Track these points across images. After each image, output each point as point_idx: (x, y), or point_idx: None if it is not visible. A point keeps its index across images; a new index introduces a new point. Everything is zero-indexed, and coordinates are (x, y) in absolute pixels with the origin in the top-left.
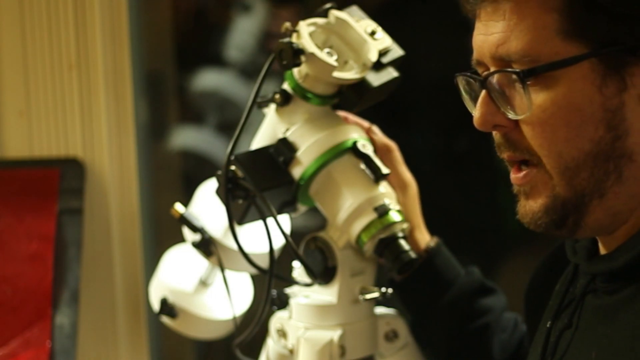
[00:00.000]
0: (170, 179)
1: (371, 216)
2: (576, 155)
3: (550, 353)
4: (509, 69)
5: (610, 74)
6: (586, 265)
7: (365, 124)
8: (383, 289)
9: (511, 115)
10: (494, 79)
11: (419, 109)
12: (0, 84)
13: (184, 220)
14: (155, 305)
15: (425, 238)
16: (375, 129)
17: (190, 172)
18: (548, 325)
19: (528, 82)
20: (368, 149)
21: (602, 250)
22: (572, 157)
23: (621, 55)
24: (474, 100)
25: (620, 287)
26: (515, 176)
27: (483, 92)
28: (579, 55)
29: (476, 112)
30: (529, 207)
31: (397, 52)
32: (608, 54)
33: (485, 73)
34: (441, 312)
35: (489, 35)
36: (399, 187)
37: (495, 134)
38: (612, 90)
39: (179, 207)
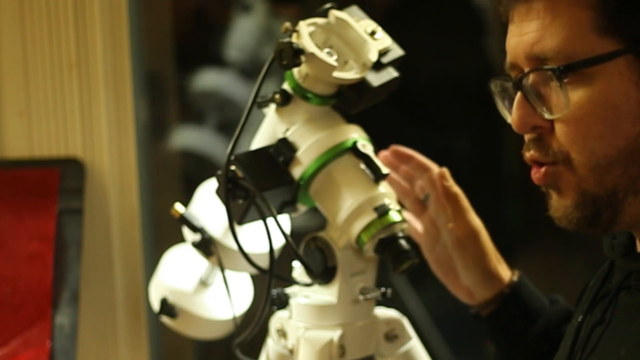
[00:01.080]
0: (170, 179)
1: (371, 216)
2: (609, 153)
3: (580, 348)
4: (545, 67)
5: None
6: (622, 262)
7: (436, 168)
8: (383, 289)
9: (547, 115)
10: (529, 79)
11: (421, 109)
12: (1, 84)
13: (184, 220)
14: (155, 305)
15: (507, 272)
16: (447, 174)
17: (190, 172)
18: (580, 320)
19: (565, 80)
20: (368, 149)
21: None
22: (604, 154)
23: None
24: (508, 105)
25: None
26: (535, 176)
27: (519, 95)
28: (615, 51)
29: (513, 115)
30: (561, 203)
31: (397, 52)
32: None
33: (520, 75)
34: (531, 344)
35: (524, 35)
36: (470, 235)
37: (529, 136)
38: None
39: (179, 207)
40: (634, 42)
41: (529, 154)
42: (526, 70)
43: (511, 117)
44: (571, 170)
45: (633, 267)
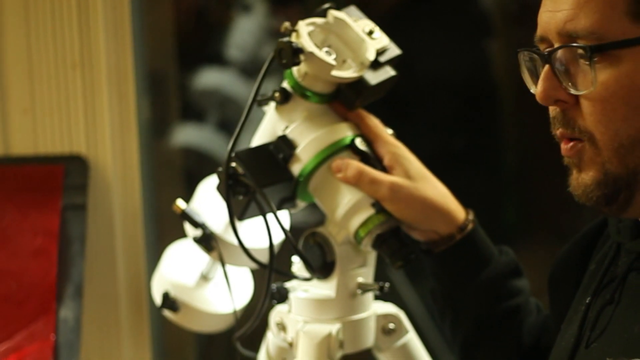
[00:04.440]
0: (172, 175)
1: (369, 212)
2: (633, 134)
3: (590, 328)
4: (577, 44)
5: None
6: (632, 244)
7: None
8: (381, 284)
9: (573, 91)
10: (559, 54)
11: (418, 107)
12: (6, 82)
13: (185, 216)
14: (158, 299)
15: (462, 211)
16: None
17: (192, 168)
18: (587, 302)
19: (595, 59)
20: (365, 146)
21: None
22: (628, 135)
23: None
24: (535, 76)
25: None
26: (564, 147)
27: (546, 67)
28: None
29: (539, 86)
30: (582, 180)
31: (394, 51)
32: None
33: (550, 49)
34: (476, 290)
35: (558, 11)
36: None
37: (553, 109)
38: None
39: (180, 203)
40: None
41: (559, 132)
42: (556, 45)
43: (536, 88)
44: (596, 149)
45: None
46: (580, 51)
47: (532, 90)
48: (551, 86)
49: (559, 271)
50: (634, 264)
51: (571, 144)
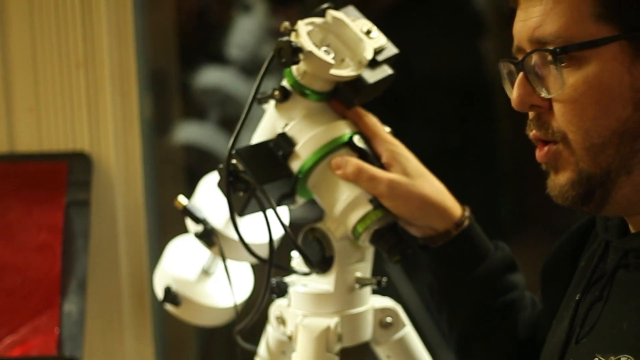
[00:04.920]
0: (173, 172)
1: (367, 208)
2: (603, 133)
3: (579, 324)
4: (544, 49)
5: (639, 55)
6: (619, 242)
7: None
8: (378, 278)
9: (545, 95)
10: (530, 60)
11: (415, 105)
12: (11, 81)
13: (187, 212)
14: (160, 294)
15: (459, 208)
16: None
17: (193, 165)
18: (577, 299)
19: (562, 64)
20: (363, 143)
21: (632, 229)
22: (598, 134)
23: None
24: (513, 84)
25: None
26: (538, 154)
27: (520, 74)
28: (610, 37)
29: (514, 93)
30: (557, 181)
31: (391, 50)
32: (637, 37)
33: (522, 56)
34: (472, 284)
35: (527, 20)
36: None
37: (530, 114)
38: None
39: (182, 199)
40: (628, 29)
41: (532, 133)
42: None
43: (512, 95)
44: (570, 149)
45: (630, 246)
46: (548, 54)
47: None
48: (525, 92)
49: (550, 267)
50: (621, 261)
51: (546, 148)
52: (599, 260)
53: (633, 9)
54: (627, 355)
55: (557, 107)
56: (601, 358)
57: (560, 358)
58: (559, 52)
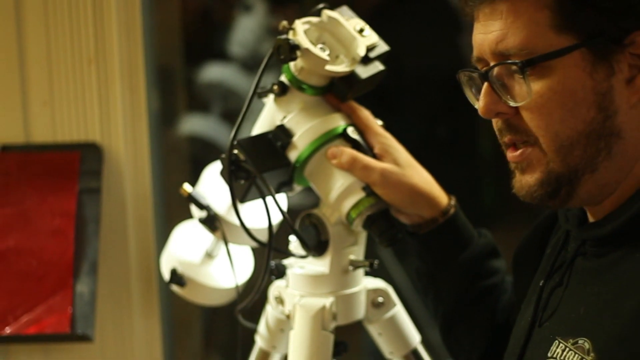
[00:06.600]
0: (179, 161)
1: (360, 195)
2: (571, 135)
3: (542, 308)
4: (510, 61)
5: (599, 61)
6: (577, 232)
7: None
8: (371, 261)
9: (512, 103)
10: (495, 71)
11: (405, 100)
12: (27, 77)
13: (191, 199)
14: (166, 275)
15: (444, 196)
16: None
17: (197, 155)
18: (541, 284)
19: (527, 73)
20: (357, 135)
21: (591, 219)
22: (567, 136)
23: (608, 44)
24: (476, 93)
25: (607, 252)
26: (512, 155)
27: (485, 85)
28: (571, 46)
29: (480, 102)
30: (525, 182)
31: (383, 47)
32: (596, 44)
33: (487, 67)
34: (457, 269)
35: (489, 33)
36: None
37: (497, 122)
38: (602, 75)
39: (187, 186)
40: (587, 38)
41: (507, 139)
42: (492, 63)
43: (478, 104)
44: (542, 151)
45: (587, 236)
46: (513, 67)
47: (475, 106)
48: (491, 101)
49: (520, 254)
50: (579, 249)
51: (520, 150)
52: (560, 248)
53: (589, 18)
54: (584, 338)
55: (525, 113)
56: (561, 341)
57: (526, 340)
58: (524, 64)
